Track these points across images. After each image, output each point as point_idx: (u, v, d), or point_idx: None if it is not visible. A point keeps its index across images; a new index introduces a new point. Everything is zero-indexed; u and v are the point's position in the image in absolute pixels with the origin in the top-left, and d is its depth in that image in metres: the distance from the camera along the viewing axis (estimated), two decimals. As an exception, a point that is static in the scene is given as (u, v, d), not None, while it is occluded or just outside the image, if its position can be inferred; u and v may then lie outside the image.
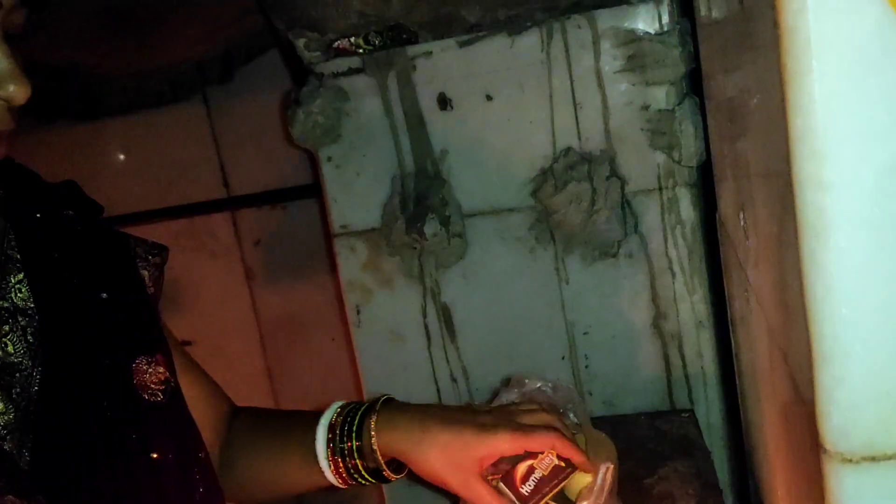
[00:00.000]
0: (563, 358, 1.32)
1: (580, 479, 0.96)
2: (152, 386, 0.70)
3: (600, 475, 0.89)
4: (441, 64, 1.25)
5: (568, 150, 1.23)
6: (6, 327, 0.65)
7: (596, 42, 1.19)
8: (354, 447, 0.83)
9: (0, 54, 0.57)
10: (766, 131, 0.54)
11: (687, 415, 1.18)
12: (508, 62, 1.22)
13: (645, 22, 1.18)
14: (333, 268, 1.52)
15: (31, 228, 0.71)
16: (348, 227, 1.34)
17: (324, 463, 0.83)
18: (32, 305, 0.67)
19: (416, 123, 1.28)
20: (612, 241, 1.24)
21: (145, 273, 0.80)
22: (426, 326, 1.35)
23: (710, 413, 1.27)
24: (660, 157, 1.21)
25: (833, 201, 0.40)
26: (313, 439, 0.83)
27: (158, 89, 1.82)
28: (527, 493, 0.85)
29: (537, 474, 0.85)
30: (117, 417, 0.67)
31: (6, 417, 0.61)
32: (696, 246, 1.23)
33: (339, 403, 0.87)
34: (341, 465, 0.84)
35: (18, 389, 0.63)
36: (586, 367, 1.31)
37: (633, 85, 1.19)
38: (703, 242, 1.23)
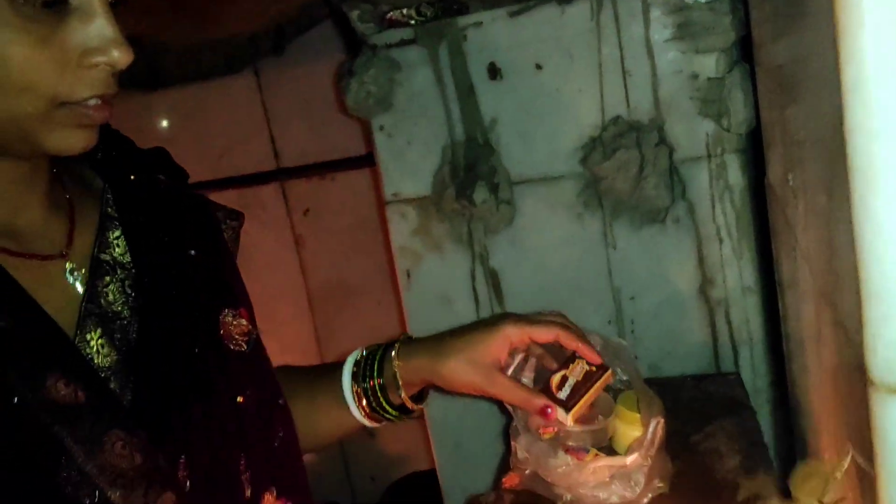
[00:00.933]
0: (609, 322, 1.34)
1: (630, 433, 0.99)
2: (237, 337, 0.76)
3: (650, 429, 0.92)
4: (491, 34, 1.27)
5: (617, 118, 1.25)
6: (107, 278, 0.71)
7: (646, 10, 1.21)
8: (377, 384, 0.92)
9: (106, 21, 0.62)
10: (818, 92, 0.56)
11: (733, 377, 1.20)
12: (558, 31, 1.24)
13: (695, -11, 1.19)
14: (382, 235, 1.56)
15: (126, 190, 0.76)
16: (399, 195, 1.38)
17: (350, 400, 0.92)
18: (129, 260, 0.72)
19: (467, 93, 1.31)
20: (659, 207, 1.26)
21: (225, 236, 0.86)
22: (475, 290, 1.39)
23: (755, 378, 1.29)
24: (708, 125, 1.22)
25: (882, 148, 0.42)
26: (340, 381, 0.91)
27: (212, 62, 1.87)
28: (564, 398, 0.92)
29: (571, 381, 0.93)
30: (206, 363, 0.72)
31: (110, 360, 0.67)
32: (744, 212, 1.24)
33: (362, 348, 0.94)
34: (364, 401, 0.92)
35: (119, 336, 0.68)
36: (632, 332, 1.33)
37: (683, 53, 1.21)
38: (750, 209, 1.24)
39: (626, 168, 1.24)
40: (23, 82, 0.59)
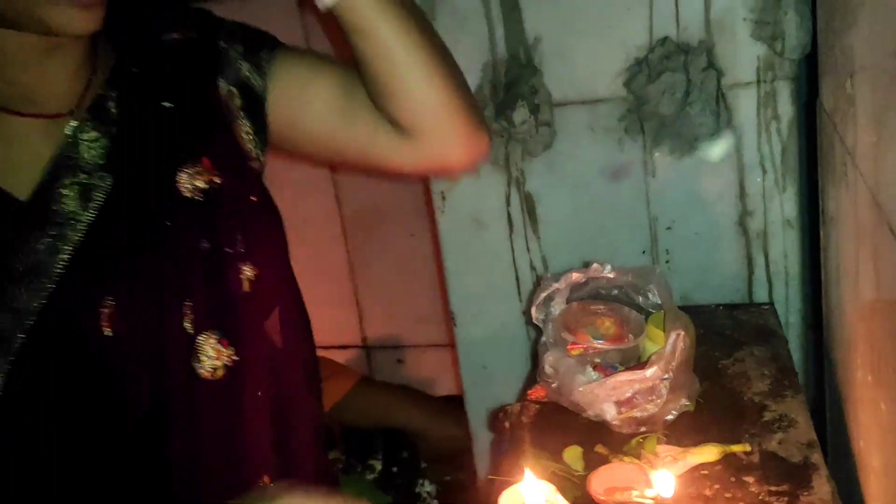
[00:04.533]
0: (643, 252, 1.32)
1: (650, 345, 0.99)
2: (193, 188, 0.80)
3: (670, 341, 0.91)
4: (539, -52, 1.23)
5: (665, 39, 1.21)
6: (94, 133, 0.77)
7: (702, -74, 1.16)
8: None
9: None
10: (882, 15, 0.53)
11: (766, 307, 1.18)
12: (609, -54, 1.20)
13: None
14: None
15: (133, 51, 0.82)
16: (438, 113, 1.36)
17: None
18: (118, 117, 0.78)
19: (511, 9, 1.27)
20: (703, 134, 1.23)
21: (242, 73, 0.87)
22: (509, 214, 1.37)
23: (788, 312, 1.26)
24: (760, 49, 1.18)
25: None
26: None
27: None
28: None
29: None
30: (158, 215, 0.77)
31: (77, 207, 0.74)
32: (791, 143, 1.20)
33: None
34: None
35: (91, 189, 0.75)
36: (667, 262, 1.31)
37: (738, -28, 1.16)
38: (797, 140, 1.21)
39: (671, 92, 1.21)
40: None
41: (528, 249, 1.38)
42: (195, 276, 0.78)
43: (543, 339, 1.01)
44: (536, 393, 1.01)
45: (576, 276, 1.00)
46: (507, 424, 0.99)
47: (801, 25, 1.13)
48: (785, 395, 0.95)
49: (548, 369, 0.97)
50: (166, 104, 0.81)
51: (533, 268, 1.39)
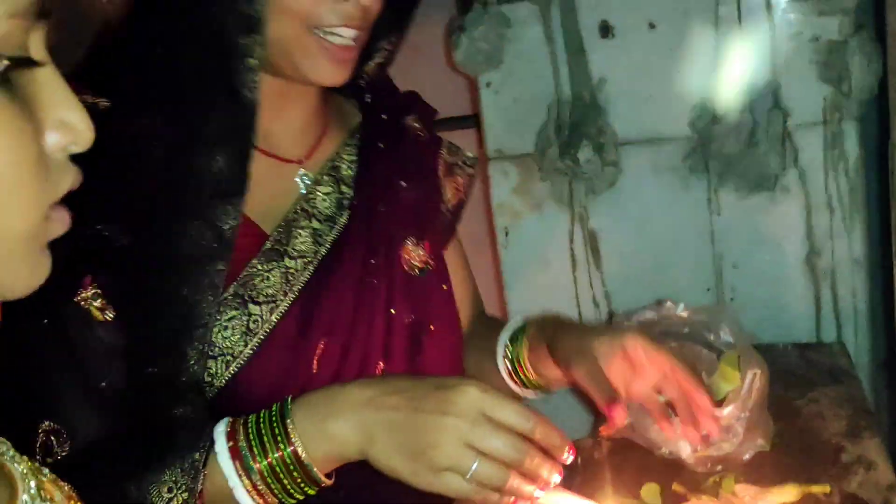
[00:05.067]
0: (707, 290, 1.33)
1: (726, 384, 0.99)
2: (412, 263, 0.87)
3: (747, 381, 0.91)
4: (605, -9, 1.27)
5: (730, 80, 1.23)
6: (329, 188, 0.85)
7: (768, -31, 1.18)
8: (516, 355, 0.94)
9: None
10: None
11: (837, 346, 1.18)
12: (675, -10, 1.23)
13: (821, -50, 1.16)
14: (481, 193, 1.57)
15: (374, 125, 0.90)
16: (502, 152, 1.39)
17: (500, 364, 0.95)
18: (352, 180, 0.86)
19: (576, 51, 1.30)
20: (769, 173, 1.24)
21: (459, 179, 0.97)
22: (572, 251, 1.39)
23: (858, 352, 1.26)
24: (826, 90, 1.19)
25: None
26: (496, 343, 0.95)
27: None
28: None
29: None
30: (375, 275, 0.83)
31: (306, 248, 0.81)
32: (859, 182, 1.21)
33: (517, 321, 0.97)
34: (510, 368, 0.95)
35: (321, 234, 0.83)
36: (732, 299, 1.32)
37: (804, 15, 1.18)
38: (865, 179, 1.21)
39: (737, 132, 1.22)
40: (287, 5, 0.72)
41: (591, 285, 1.40)
42: (394, 343, 0.83)
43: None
44: (608, 429, 1.02)
45: (648, 315, 1.01)
46: (578, 460, 0.99)
47: (868, 68, 1.14)
48: (862, 436, 0.95)
49: (621, 406, 0.98)
50: (402, 183, 0.89)
51: (596, 304, 1.40)
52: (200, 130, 0.75)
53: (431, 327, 0.86)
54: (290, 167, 0.84)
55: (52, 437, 0.70)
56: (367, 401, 0.66)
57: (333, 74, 0.77)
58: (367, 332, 0.81)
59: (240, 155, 0.76)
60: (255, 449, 0.66)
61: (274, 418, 0.67)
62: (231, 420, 0.69)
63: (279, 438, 0.66)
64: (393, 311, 0.83)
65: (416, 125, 0.94)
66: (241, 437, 0.67)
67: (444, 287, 0.91)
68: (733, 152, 1.24)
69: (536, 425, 0.65)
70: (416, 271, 0.87)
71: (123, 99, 0.72)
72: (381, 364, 0.82)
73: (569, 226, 1.38)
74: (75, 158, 0.40)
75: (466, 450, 0.63)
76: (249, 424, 0.68)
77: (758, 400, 0.91)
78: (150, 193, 0.73)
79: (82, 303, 0.71)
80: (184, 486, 0.67)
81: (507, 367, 0.95)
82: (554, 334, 0.91)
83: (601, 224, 1.36)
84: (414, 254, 0.87)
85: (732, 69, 1.23)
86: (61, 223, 0.39)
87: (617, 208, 1.34)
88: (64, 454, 0.69)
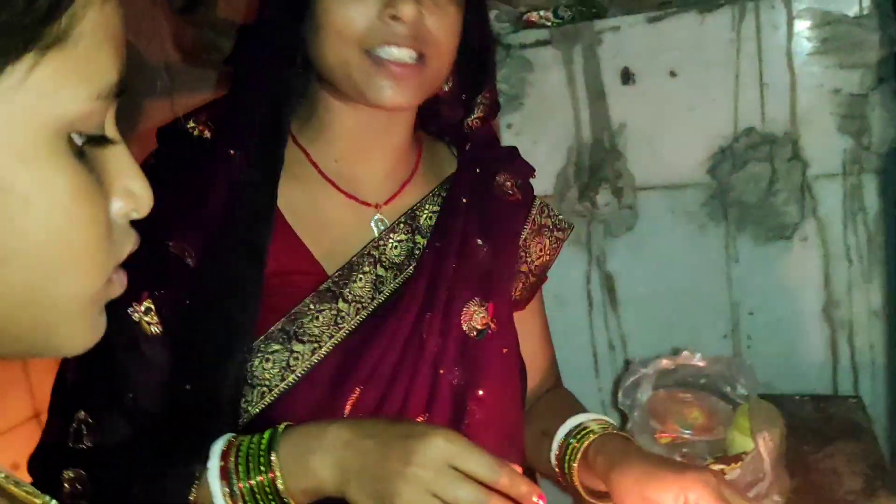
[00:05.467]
0: (724, 336, 1.33)
1: (741, 443, 0.99)
2: (472, 324, 0.85)
3: (760, 441, 0.91)
4: (627, 38, 1.28)
5: (750, 129, 1.24)
6: (403, 236, 0.85)
7: (790, 23, 1.19)
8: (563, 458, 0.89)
9: None
10: None
11: (854, 400, 1.17)
12: (696, 39, 1.24)
13: (842, 3, 1.17)
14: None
15: (465, 178, 0.90)
16: (521, 193, 1.40)
17: (552, 456, 0.90)
18: (430, 230, 0.86)
19: (597, 96, 1.32)
20: (788, 223, 1.24)
21: (546, 241, 0.96)
22: (589, 293, 1.40)
23: (874, 404, 1.25)
24: (847, 142, 1.19)
25: None
26: (554, 434, 0.90)
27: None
28: None
29: None
30: (430, 331, 0.82)
31: (364, 293, 0.81)
32: (878, 234, 1.21)
33: (576, 421, 0.91)
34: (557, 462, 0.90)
35: (382, 282, 0.83)
36: (748, 347, 1.32)
37: (826, 67, 1.18)
38: (884, 232, 1.21)
39: (756, 181, 1.23)
40: (337, 27, 0.75)
41: (606, 328, 1.40)
42: (437, 403, 0.82)
43: (629, 425, 1.02)
44: None
45: (665, 363, 1.01)
46: (591, 507, 0.99)
47: (889, 121, 1.15)
48: (878, 495, 0.94)
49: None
50: (478, 241, 0.88)
51: (612, 347, 1.41)
52: (252, 155, 0.79)
53: (480, 392, 0.84)
54: (368, 210, 0.85)
55: (84, 427, 0.74)
56: (345, 444, 0.68)
57: (394, 94, 0.77)
58: (407, 386, 0.81)
59: (269, 169, 0.79)
60: (240, 470, 0.69)
61: (262, 445, 0.69)
62: (230, 438, 0.72)
63: (262, 466, 0.69)
64: (441, 371, 0.82)
65: (508, 183, 0.94)
66: (232, 458, 0.70)
67: (505, 351, 0.88)
68: (752, 201, 1.24)
69: (503, 475, 0.65)
70: (475, 333, 0.85)
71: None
72: (422, 420, 0.80)
73: (586, 268, 1.39)
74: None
75: (430, 499, 0.64)
76: (241, 446, 0.70)
77: (772, 459, 0.91)
78: (215, 216, 0.76)
79: (134, 315, 0.75)
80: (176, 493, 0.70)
81: (558, 466, 0.90)
82: (612, 460, 0.83)
83: (618, 267, 1.37)
84: (476, 314, 0.85)
85: (751, 119, 1.24)
86: (120, 285, 0.42)
87: (634, 252, 1.35)
88: (89, 445, 0.74)
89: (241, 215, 0.77)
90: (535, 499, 0.67)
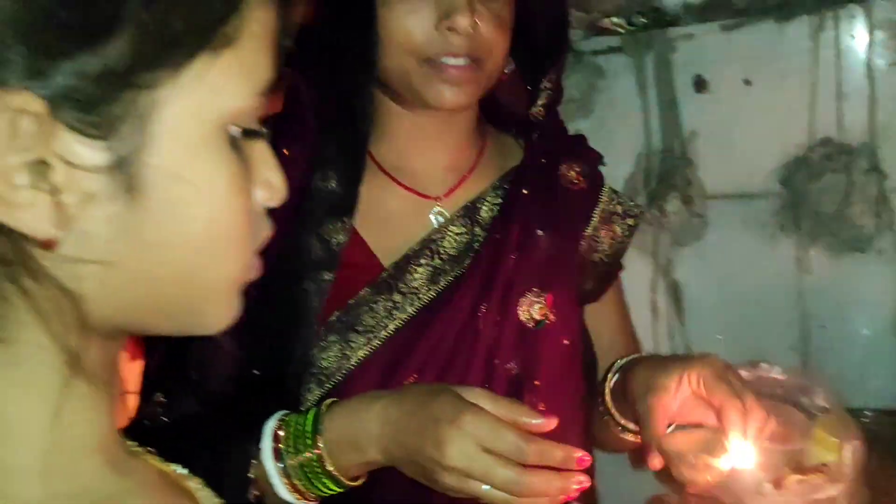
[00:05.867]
0: (790, 348, 1.31)
1: (820, 450, 0.97)
2: (530, 315, 0.85)
3: (846, 454, 0.90)
4: (701, 47, 1.28)
5: (827, 139, 1.22)
6: (462, 228, 0.85)
7: (871, 33, 1.18)
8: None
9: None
10: None
11: (931, 417, 1.15)
12: (772, 48, 1.23)
13: (926, 14, 1.15)
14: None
15: (529, 170, 0.89)
16: (588, 199, 1.40)
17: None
18: (489, 223, 0.86)
19: (669, 103, 1.32)
20: (863, 235, 1.22)
21: (617, 228, 0.93)
22: (654, 301, 1.39)
23: (951, 423, 1.22)
24: (928, 154, 1.18)
25: None
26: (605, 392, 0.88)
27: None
28: None
29: None
30: (486, 321, 0.82)
31: (419, 285, 0.82)
32: (958, 248, 1.19)
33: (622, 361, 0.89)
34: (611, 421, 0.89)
35: (440, 274, 0.83)
36: (818, 361, 1.30)
37: (907, 78, 1.17)
38: (965, 246, 1.19)
39: (831, 192, 1.21)
40: (397, 40, 0.77)
41: (671, 337, 1.39)
42: (493, 391, 0.79)
43: (703, 433, 1.01)
44: (695, 486, 1.00)
45: (742, 374, 1.00)
46: (662, 515, 0.98)
47: (973, 133, 1.13)
48: (962, 514, 0.92)
49: (709, 465, 0.97)
50: (539, 232, 0.87)
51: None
52: (322, 153, 0.81)
53: (536, 382, 0.84)
54: (427, 203, 0.86)
55: (159, 408, 0.78)
56: (387, 421, 0.69)
57: (453, 97, 0.79)
58: (461, 376, 0.82)
59: (351, 176, 0.82)
60: (290, 450, 0.71)
61: (308, 426, 0.72)
62: (280, 418, 0.74)
63: (308, 442, 0.71)
64: (497, 361, 0.82)
65: (573, 173, 0.91)
66: (283, 435, 0.72)
67: (566, 342, 0.88)
68: (827, 212, 1.22)
69: (531, 451, 0.65)
70: (533, 323, 0.85)
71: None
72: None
73: (652, 276, 1.38)
74: None
75: (469, 482, 0.66)
76: (290, 426, 0.73)
77: (854, 472, 0.89)
78: (284, 207, 0.77)
79: None
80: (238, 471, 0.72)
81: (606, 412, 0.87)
82: (629, 372, 0.84)
83: (685, 276, 1.36)
84: (534, 305, 0.85)
85: (827, 129, 1.22)
86: (256, 270, 0.43)
87: (702, 261, 1.34)
88: (162, 424, 0.78)
89: (318, 216, 0.80)
90: (575, 457, 0.67)
